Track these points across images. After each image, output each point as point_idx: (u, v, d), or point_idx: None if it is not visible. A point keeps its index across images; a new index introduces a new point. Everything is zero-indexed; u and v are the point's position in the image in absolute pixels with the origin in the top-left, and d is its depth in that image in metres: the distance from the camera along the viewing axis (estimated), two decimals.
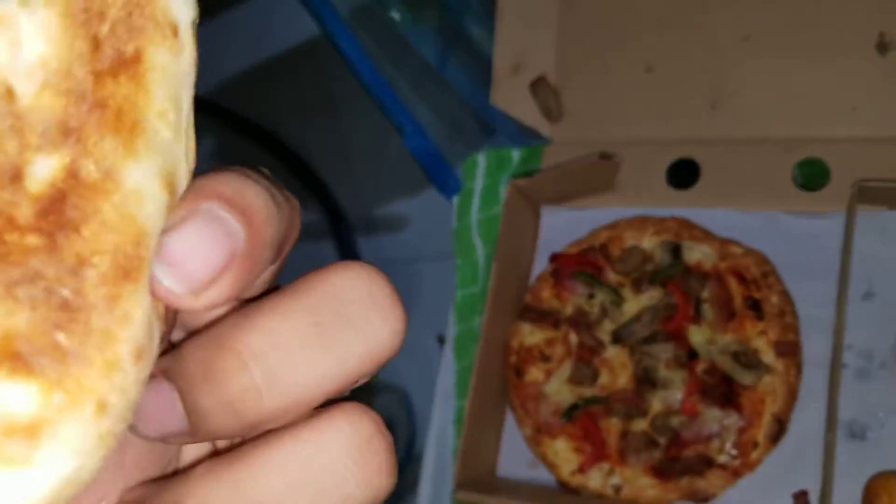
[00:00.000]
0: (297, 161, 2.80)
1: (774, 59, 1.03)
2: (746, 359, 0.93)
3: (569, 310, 1.03)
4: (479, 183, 1.27)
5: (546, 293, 1.05)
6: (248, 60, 3.15)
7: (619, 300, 1.01)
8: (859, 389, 0.91)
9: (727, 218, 1.02)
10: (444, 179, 1.36)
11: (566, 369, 1.00)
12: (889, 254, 0.95)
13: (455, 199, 1.29)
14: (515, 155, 1.23)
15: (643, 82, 1.10)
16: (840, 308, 0.91)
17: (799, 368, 0.93)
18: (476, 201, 1.26)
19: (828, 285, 0.96)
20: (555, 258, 1.06)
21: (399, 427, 2.29)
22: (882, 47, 0.98)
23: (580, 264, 1.04)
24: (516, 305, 1.06)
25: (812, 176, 1.00)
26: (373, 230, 2.67)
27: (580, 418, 0.98)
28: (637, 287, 1.01)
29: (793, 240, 0.99)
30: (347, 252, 2.58)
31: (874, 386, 0.91)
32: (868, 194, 0.93)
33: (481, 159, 1.27)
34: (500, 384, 1.03)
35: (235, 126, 2.97)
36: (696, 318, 0.97)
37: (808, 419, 0.91)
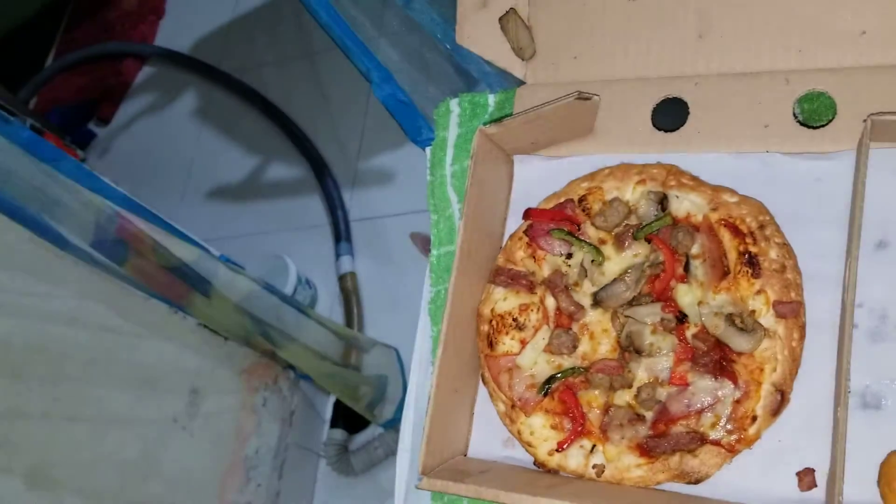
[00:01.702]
0: (280, 115, 2.64)
1: None
2: (742, 321, 0.79)
3: (545, 271, 0.90)
4: (452, 132, 1.12)
5: (520, 253, 0.91)
6: (228, 14, 2.97)
7: (600, 259, 0.87)
8: (872, 353, 0.78)
9: (719, 162, 0.87)
10: (416, 129, 1.22)
11: (542, 338, 0.87)
12: None
13: (428, 150, 1.15)
14: (491, 100, 1.08)
15: (624, 12, 0.94)
16: (850, 261, 0.78)
17: (802, 331, 0.79)
18: (450, 152, 1.12)
19: (835, 235, 0.82)
20: (529, 214, 0.92)
21: (392, 383, 2.18)
22: None
23: (557, 220, 0.90)
24: (488, 268, 0.92)
25: (815, 112, 0.85)
26: (360, 184, 2.53)
27: (558, 391, 0.85)
28: (620, 243, 0.87)
29: (794, 185, 0.85)
30: (334, 208, 2.44)
31: (889, 348, 0.77)
32: (882, 129, 0.79)
33: (454, 106, 1.12)
34: (472, 355, 0.90)
35: (218, 82, 2.81)
36: (685, 276, 0.83)
37: (813, 388, 0.78)
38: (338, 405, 2.15)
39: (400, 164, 2.37)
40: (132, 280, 1.66)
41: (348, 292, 2.28)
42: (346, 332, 2.11)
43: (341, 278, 2.30)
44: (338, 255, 2.33)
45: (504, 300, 0.90)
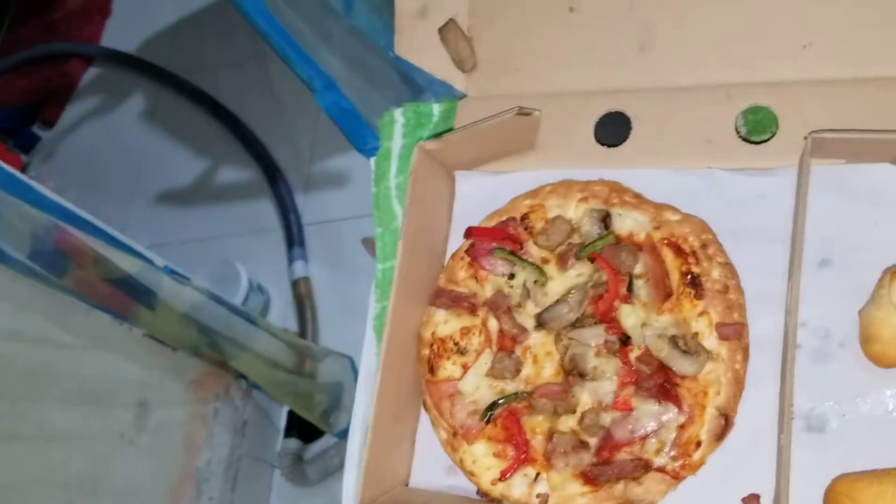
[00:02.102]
0: (231, 118, 2.57)
1: None
2: (686, 344, 0.77)
3: (488, 292, 0.87)
4: (397, 142, 1.08)
5: (462, 274, 0.88)
6: (176, 14, 2.89)
7: (542, 279, 0.84)
8: (816, 373, 0.76)
9: (662, 178, 0.85)
10: (362, 138, 1.18)
11: (485, 362, 0.84)
12: (848, 213, 0.79)
13: (372, 161, 1.11)
14: (436, 109, 1.05)
15: (565, 24, 0.91)
16: (793, 279, 0.76)
17: (746, 353, 0.77)
18: (394, 163, 1.08)
19: (779, 252, 0.80)
20: (470, 233, 0.88)
21: (347, 391, 2.14)
22: None
23: (499, 239, 0.87)
24: (429, 289, 0.89)
25: (757, 127, 0.83)
26: (313, 187, 2.48)
27: (501, 418, 0.82)
28: (563, 263, 0.84)
29: (737, 201, 0.83)
30: (287, 212, 2.39)
31: (833, 369, 0.76)
32: (823, 146, 0.77)
33: (398, 115, 1.08)
34: (413, 380, 0.87)
35: (167, 83, 2.72)
36: (629, 297, 0.81)
37: (757, 411, 0.76)
38: (292, 414, 2.10)
39: (354, 166, 2.32)
40: (74, 292, 1.60)
41: (302, 298, 2.23)
42: (299, 342, 2.06)
43: (294, 284, 2.25)
44: (291, 261, 2.27)
45: (445, 323, 0.87)
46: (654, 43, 0.86)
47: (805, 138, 0.76)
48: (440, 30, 0.97)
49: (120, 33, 2.91)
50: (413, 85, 1.12)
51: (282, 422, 2.12)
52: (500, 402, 0.81)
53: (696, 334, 0.78)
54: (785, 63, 0.83)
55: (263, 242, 2.35)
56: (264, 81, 2.54)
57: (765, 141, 0.82)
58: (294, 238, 2.30)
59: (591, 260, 0.83)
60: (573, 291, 0.82)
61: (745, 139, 0.83)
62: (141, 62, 2.77)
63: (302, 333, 2.20)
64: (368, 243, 1.14)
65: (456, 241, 0.92)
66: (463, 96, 0.98)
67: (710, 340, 0.78)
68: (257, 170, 2.44)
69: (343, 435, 2.00)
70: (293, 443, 2.05)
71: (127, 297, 1.66)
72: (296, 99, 2.48)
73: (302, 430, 2.05)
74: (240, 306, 2.04)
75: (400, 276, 0.85)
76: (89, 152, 2.73)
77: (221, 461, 2.00)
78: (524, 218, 0.87)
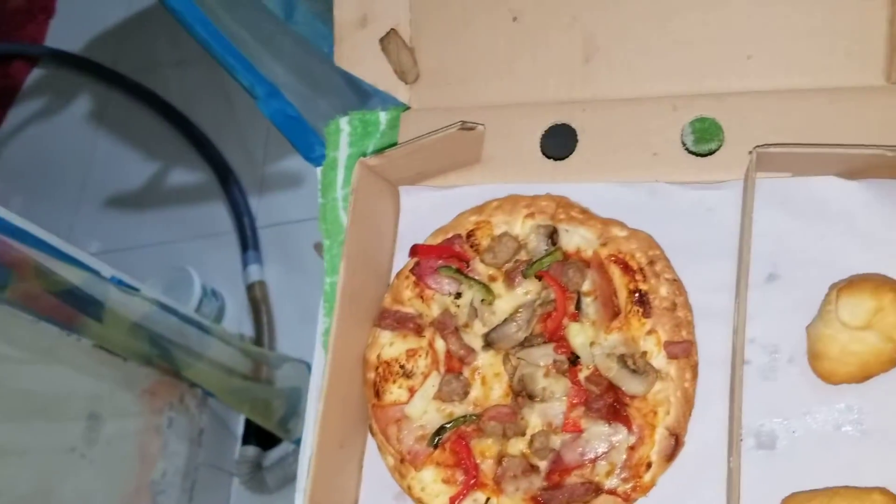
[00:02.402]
0: (181, 119, 2.50)
1: (652, 1, 0.82)
2: (634, 363, 0.75)
3: (434, 311, 0.84)
4: (343, 152, 1.05)
5: (407, 293, 0.85)
6: (123, 12, 2.80)
7: (490, 297, 0.82)
8: (765, 390, 0.75)
9: (609, 192, 0.83)
10: (309, 146, 1.14)
11: (432, 385, 0.81)
12: (795, 227, 0.77)
13: (318, 171, 1.08)
14: (383, 117, 1.01)
15: (508, 34, 0.88)
16: (740, 295, 0.74)
17: (695, 371, 0.76)
18: (341, 173, 1.04)
19: (726, 267, 0.78)
20: (415, 251, 0.86)
21: (304, 396, 2.11)
22: None
23: (445, 257, 0.84)
24: (374, 309, 0.86)
25: (703, 139, 0.81)
26: (267, 189, 2.42)
27: (450, 442, 0.79)
28: (510, 281, 0.82)
29: (684, 215, 0.81)
30: (240, 215, 2.33)
31: (782, 386, 0.75)
32: (768, 160, 0.75)
33: (345, 124, 1.05)
34: (359, 405, 0.84)
35: (115, 84, 2.64)
36: (578, 315, 0.79)
37: (708, 429, 0.75)
38: (250, 421, 2.06)
39: (308, 167, 2.26)
40: (18, 305, 1.54)
41: (257, 302, 2.19)
42: (253, 349, 2.02)
43: (249, 288, 2.20)
44: (245, 264, 2.22)
45: (391, 345, 0.84)
46: (599, 54, 0.84)
47: (750, 153, 0.75)
48: (381, 40, 0.93)
49: (64, 33, 2.81)
50: (360, 91, 1.08)
51: (239, 429, 2.08)
52: (449, 425, 0.79)
53: (644, 353, 0.76)
54: (730, 74, 0.81)
55: (217, 246, 2.30)
56: (215, 82, 2.47)
57: (711, 153, 0.81)
58: (248, 241, 2.25)
59: (539, 277, 0.80)
60: (521, 310, 0.80)
61: (691, 152, 0.81)
62: (87, 62, 2.68)
63: (258, 338, 2.16)
64: (319, 248, 1.10)
65: (401, 259, 0.89)
66: (407, 107, 0.95)
67: (658, 359, 0.76)
68: (209, 172, 2.38)
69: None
70: (251, 450, 2.00)
71: (73, 309, 1.61)
72: (247, 100, 2.41)
73: (260, 437, 2.01)
74: (193, 314, 1.98)
75: (343, 296, 0.81)
76: (35, 157, 2.64)
77: (178, 471, 1.95)
78: (470, 235, 0.84)
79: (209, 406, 2.05)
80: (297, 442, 1.95)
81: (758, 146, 0.74)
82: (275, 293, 2.21)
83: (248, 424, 2.06)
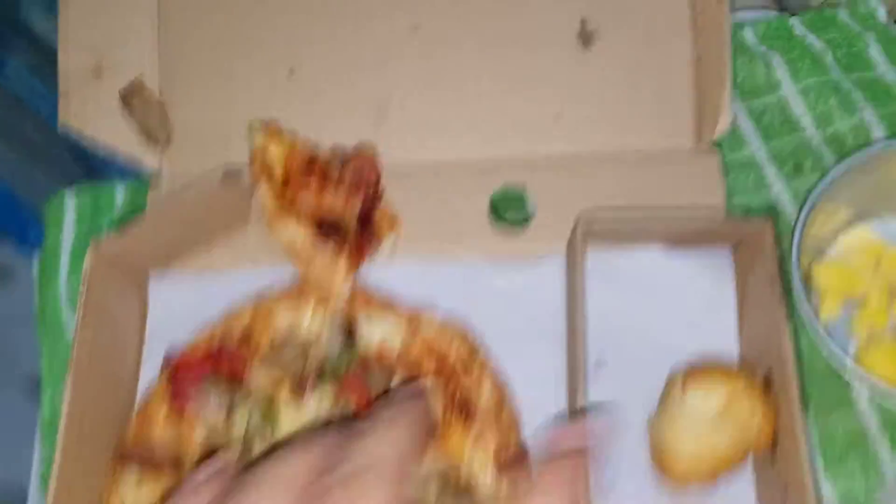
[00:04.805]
0: None
1: (453, 54, 0.70)
2: (458, 484, 0.58)
3: (197, 438, 0.62)
4: (68, 234, 0.80)
5: (160, 416, 0.62)
6: None
7: (272, 414, 0.61)
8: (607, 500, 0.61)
9: (416, 274, 0.67)
10: (21, 229, 0.87)
11: None
12: (618, 305, 0.66)
13: (35, 261, 0.81)
14: (119, 192, 0.79)
15: (284, 87, 0.71)
16: (570, 386, 0.61)
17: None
18: (65, 260, 0.79)
19: (553, 352, 0.65)
20: (172, 365, 0.63)
21: None
22: (585, 37, 0.69)
23: (210, 365, 0.62)
24: (113, 441, 0.62)
25: (514, 208, 0.69)
26: None
27: None
28: (299, 389, 0.62)
29: (500, 297, 0.67)
30: None
31: (627, 489, 0.62)
32: (588, 230, 0.64)
33: (70, 200, 0.80)
34: None
35: None
36: None
37: None
38: None
39: (20, 257, 1.89)
40: None
41: None
42: None
43: None
44: None
45: (138, 487, 0.60)
46: (390, 113, 0.69)
47: (574, 227, 0.63)
48: (122, 93, 0.72)
49: None
50: (91, 158, 0.84)
51: None
52: None
53: (471, 467, 0.60)
54: (536, 134, 0.70)
55: None
56: None
57: (523, 225, 0.68)
58: None
59: (337, 383, 0.62)
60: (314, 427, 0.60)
61: (500, 222, 0.68)
62: None
63: None
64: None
65: (151, 370, 0.65)
66: (156, 174, 0.73)
67: (488, 472, 0.60)
68: None
69: None
70: None
71: None
72: None
73: None
74: None
75: (70, 423, 0.57)
76: None
77: None
78: (245, 334, 0.64)
79: None
80: None
81: (584, 211, 0.62)
82: None
83: None
